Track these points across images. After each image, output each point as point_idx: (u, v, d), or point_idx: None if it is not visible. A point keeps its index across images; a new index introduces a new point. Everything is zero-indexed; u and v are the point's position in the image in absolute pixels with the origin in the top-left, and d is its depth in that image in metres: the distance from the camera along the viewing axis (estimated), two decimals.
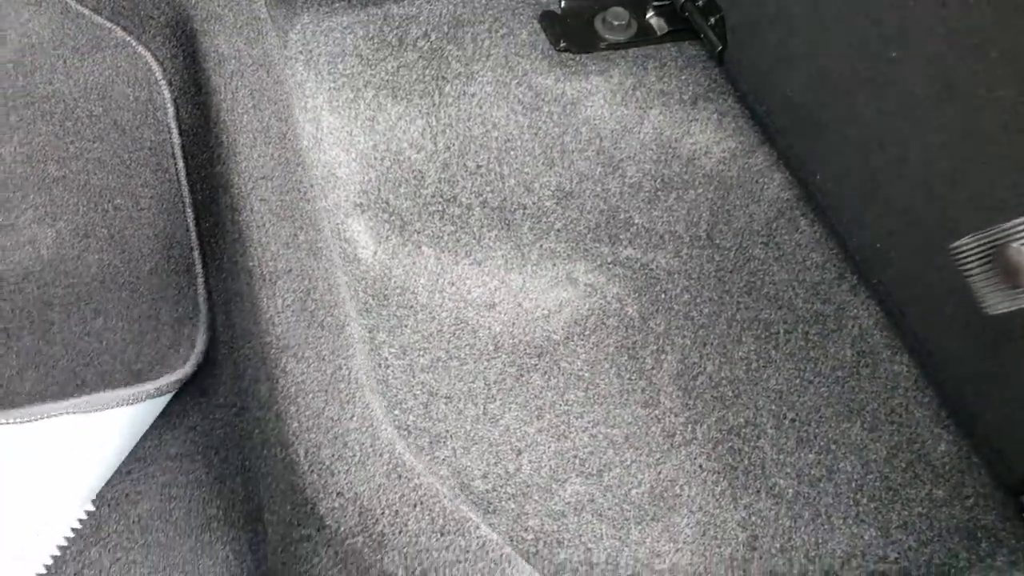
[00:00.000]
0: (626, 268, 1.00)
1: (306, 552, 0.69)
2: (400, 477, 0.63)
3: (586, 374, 0.97)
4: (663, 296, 0.99)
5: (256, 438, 0.79)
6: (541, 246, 1.01)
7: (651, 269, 0.99)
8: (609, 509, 0.89)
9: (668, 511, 0.89)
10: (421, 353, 0.98)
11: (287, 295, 0.72)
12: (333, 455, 0.64)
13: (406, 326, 1.00)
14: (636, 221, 1.00)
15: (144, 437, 0.83)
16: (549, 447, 0.92)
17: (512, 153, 0.99)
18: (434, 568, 0.59)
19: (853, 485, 0.83)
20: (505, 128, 0.98)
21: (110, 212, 0.93)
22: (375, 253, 1.03)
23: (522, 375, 0.97)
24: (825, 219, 0.93)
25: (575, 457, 0.92)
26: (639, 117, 0.98)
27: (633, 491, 0.90)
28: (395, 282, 1.03)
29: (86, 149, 0.93)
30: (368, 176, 1.02)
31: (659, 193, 0.99)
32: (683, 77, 1.01)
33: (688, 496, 0.89)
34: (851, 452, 0.84)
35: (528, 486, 0.90)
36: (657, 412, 0.94)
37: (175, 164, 0.92)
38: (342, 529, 0.63)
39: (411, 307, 1.01)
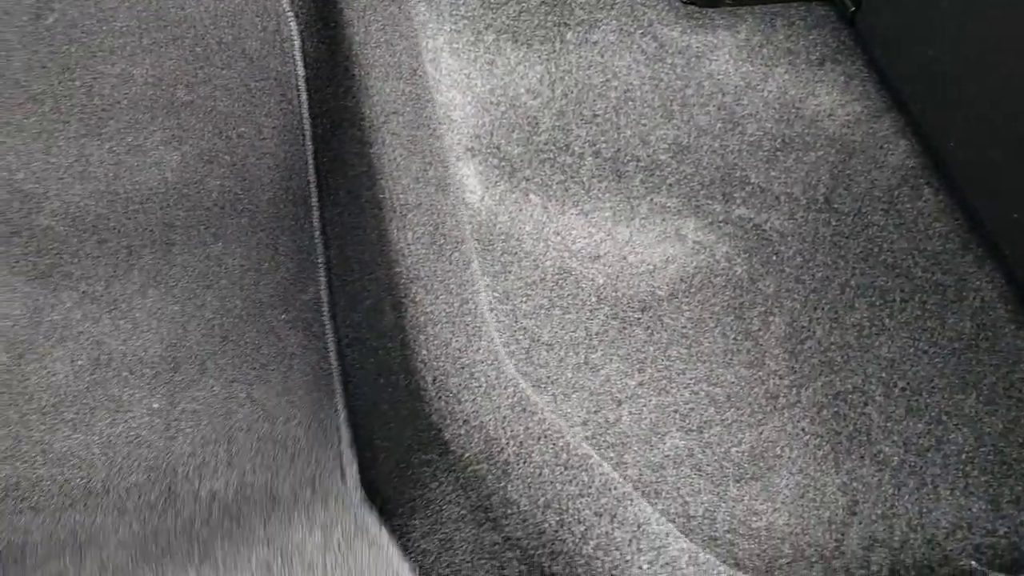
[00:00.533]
0: (737, 227, 0.99)
1: (424, 477, 0.71)
2: (525, 410, 0.64)
3: (690, 332, 0.97)
4: (774, 258, 0.98)
5: (370, 367, 0.80)
6: (651, 200, 1.01)
7: (764, 230, 0.98)
8: (708, 465, 0.89)
9: (767, 471, 0.88)
10: (524, 300, 0.99)
11: (417, 228, 0.73)
12: (460, 384, 0.65)
13: (510, 272, 1.01)
14: (752, 180, 0.98)
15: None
16: (650, 400, 0.92)
17: (630, 104, 0.98)
18: (557, 499, 0.60)
19: (963, 457, 0.82)
20: (625, 78, 0.97)
21: (233, 139, 0.95)
22: (482, 198, 1.03)
23: (625, 328, 0.97)
24: (951, 189, 0.91)
25: (676, 412, 0.92)
26: (764, 75, 0.96)
27: (733, 449, 0.90)
28: (500, 228, 1.03)
29: (214, 75, 0.95)
30: (482, 120, 1.02)
31: (778, 153, 0.98)
32: (811, 37, 0.99)
33: (788, 458, 0.89)
34: (964, 424, 0.83)
35: (627, 436, 0.90)
36: (761, 373, 0.93)
37: (299, 96, 0.94)
38: (466, 455, 0.64)
39: (515, 254, 1.02)
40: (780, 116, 0.97)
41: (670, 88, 0.97)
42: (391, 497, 0.78)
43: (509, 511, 0.62)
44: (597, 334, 0.96)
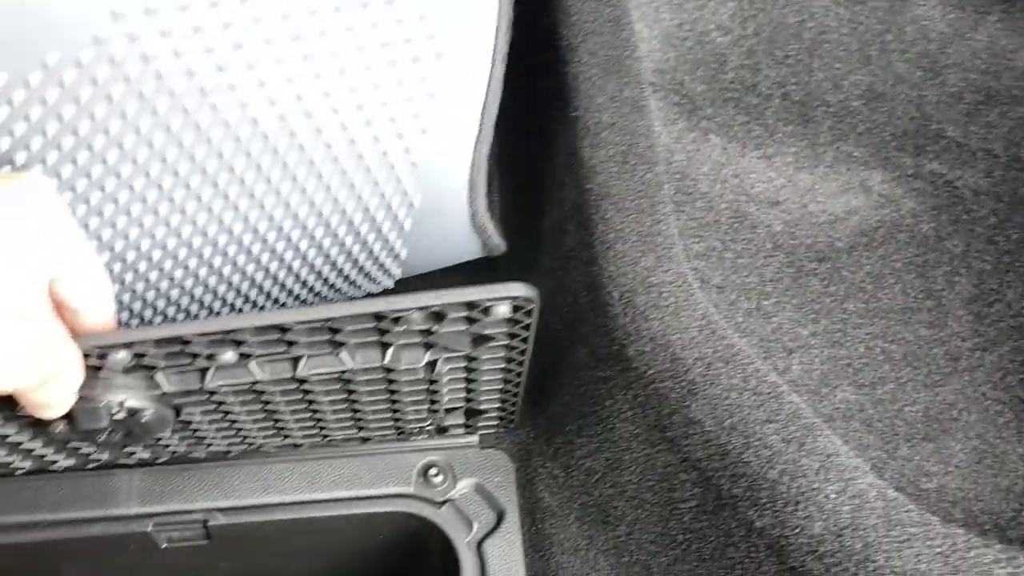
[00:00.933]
0: (927, 183, 0.95)
1: (599, 394, 0.71)
2: (713, 333, 0.63)
3: (869, 286, 0.93)
4: (965, 217, 0.93)
5: (544, 284, 0.81)
6: (838, 148, 0.97)
7: (956, 187, 0.94)
8: (879, 422, 0.86)
9: (942, 433, 0.85)
10: (696, 240, 0.98)
11: (610, 147, 0.72)
12: (648, 303, 0.65)
13: (683, 212, 0.99)
14: (948, 134, 0.94)
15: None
16: (822, 352, 0.90)
17: (825, 46, 0.94)
18: (744, 423, 0.59)
19: None
20: (822, 19, 0.94)
21: None
22: (659, 136, 1.02)
23: (800, 277, 0.95)
24: None
25: (848, 366, 0.89)
26: (974, 22, 0.91)
27: (906, 408, 0.87)
28: (675, 167, 1.02)
29: None
30: (667, 55, 1.01)
31: (981, 107, 0.93)
32: None
33: (966, 421, 0.85)
34: None
35: (797, 386, 0.88)
36: (943, 334, 0.90)
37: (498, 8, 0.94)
38: (650, 372, 0.64)
39: (689, 194, 1.00)
40: (987, 67, 0.91)
41: (869, 32, 0.93)
42: (558, 414, 0.79)
43: (691, 431, 0.62)
44: (771, 280, 0.94)
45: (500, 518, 0.77)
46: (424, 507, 0.77)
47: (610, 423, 0.70)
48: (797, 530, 0.57)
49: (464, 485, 0.78)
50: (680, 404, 0.62)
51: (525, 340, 0.63)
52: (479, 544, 0.76)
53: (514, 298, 0.57)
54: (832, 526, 0.56)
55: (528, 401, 0.75)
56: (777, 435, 0.58)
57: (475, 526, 0.77)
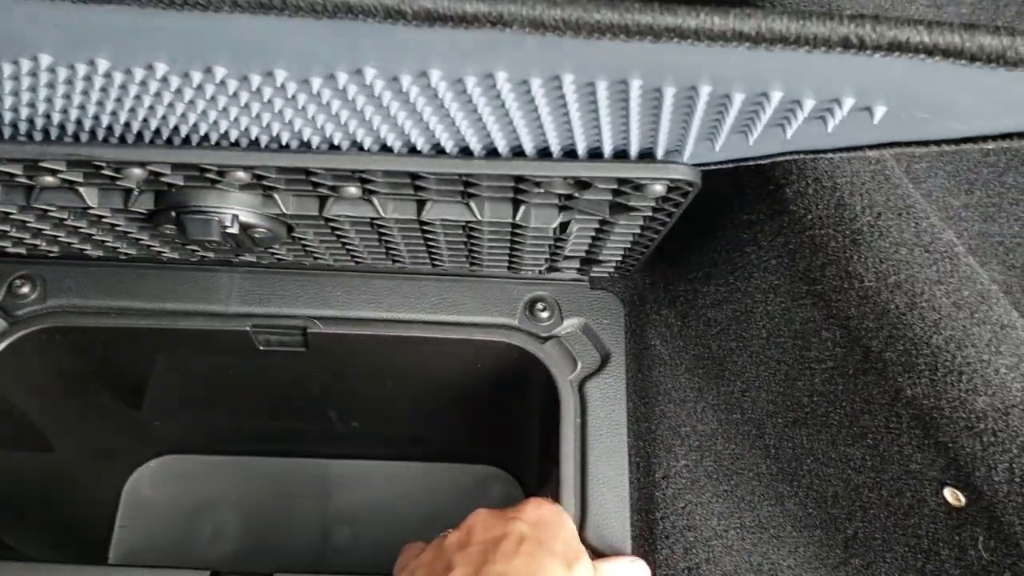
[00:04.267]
0: None
1: (741, 239, 0.66)
2: (887, 180, 0.56)
3: None
4: None
5: None
6: None
7: None
8: None
9: None
10: None
11: None
12: None
13: None
14: None
15: None
16: (972, 226, 0.82)
17: None
18: (910, 281, 0.53)
19: None
20: None
21: None
22: None
23: None
24: None
25: (1000, 244, 0.82)
26: None
27: None
28: None
29: None
30: None
31: None
32: None
33: None
34: None
35: None
36: None
37: None
38: (808, 217, 0.58)
39: None
40: None
41: None
42: (683, 259, 0.73)
43: (847, 286, 0.56)
44: None
45: (605, 360, 0.74)
46: (528, 341, 0.73)
47: (747, 271, 0.65)
48: (956, 403, 0.52)
49: (570, 323, 0.75)
50: (839, 255, 0.56)
51: (671, 215, 0.57)
52: (581, 383, 0.72)
53: (673, 180, 0.51)
54: (999, 403, 0.50)
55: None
56: (948, 298, 0.52)
57: (579, 365, 0.73)
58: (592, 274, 0.76)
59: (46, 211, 0.59)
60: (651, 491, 0.69)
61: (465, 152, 0.51)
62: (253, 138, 0.50)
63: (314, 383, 0.82)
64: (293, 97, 0.44)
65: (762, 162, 0.48)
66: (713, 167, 0.53)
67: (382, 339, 0.74)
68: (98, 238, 0.66)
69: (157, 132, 0.50)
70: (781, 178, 0.59)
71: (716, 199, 0.68)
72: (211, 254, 0.72)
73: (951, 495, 0.53)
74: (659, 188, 0.52)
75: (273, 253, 0.70)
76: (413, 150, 0.51)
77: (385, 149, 0.51)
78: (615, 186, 0.53)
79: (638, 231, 0.62)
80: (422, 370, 0.79)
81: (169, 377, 0.84)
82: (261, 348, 0.75)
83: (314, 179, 0.53)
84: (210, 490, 0.96)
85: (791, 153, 0.46)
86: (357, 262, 0.73)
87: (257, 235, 0.60)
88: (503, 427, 0.90)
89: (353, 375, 0.80)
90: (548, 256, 0.69)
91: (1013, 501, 0.49)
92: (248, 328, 0.72)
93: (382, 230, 0.62)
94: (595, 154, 0.51)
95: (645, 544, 0.66)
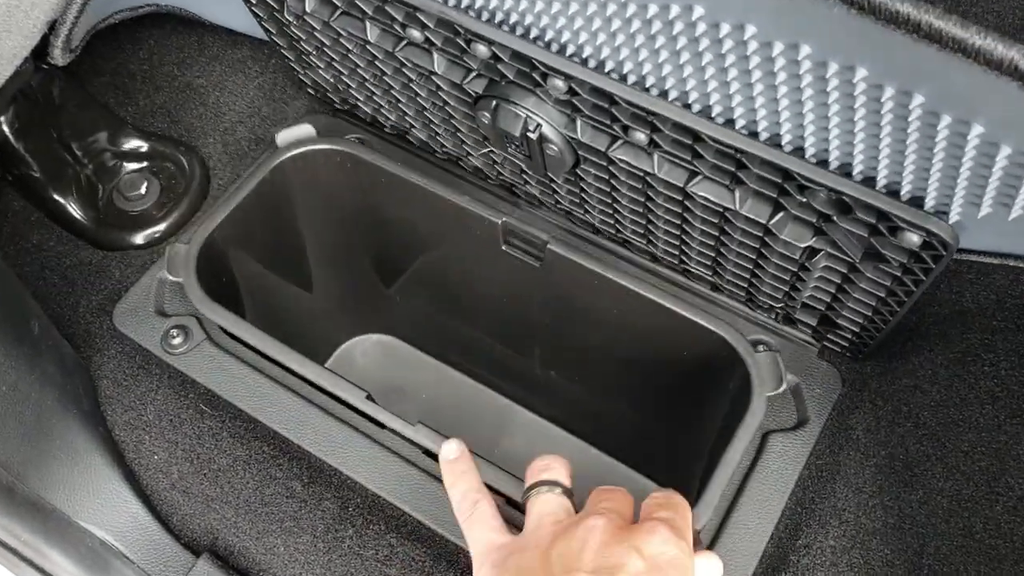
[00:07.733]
0: None
1: (979, 345, 0.64)
2: None
3: None
4: None
5: None
6: None
7: None
8: None
9: None
10: None
11: None
12: None
13: None
14: None
15: None
16: None
17: None
18: None
19: None
20: None
21: None
22: None
23: None
24: None
25: None
26: None
27: None
28: None
29: None
30: None
31: None
32: None
33: None
34: None
35: None
36: None
37: None
38: None
39: None
40: None
41: None
42: (918, 359, 0.72)
43: None
44: None
45: (800, 424, 0.73)
46: (744, 345, 0.74)
47: (975, 379, 0.63)
48: None
49: (785, 379, 0.75)
50: None
51: (918, 283, 0.57)
52: (767, 433, 0.73)
53: (928, 232, 0.52)
54: None
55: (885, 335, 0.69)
56: None
57: (773, 422, 0.74)
58: (824, 344, 0.76)
59: (402, 65, 0.70)
60: (786, 553, 0.68)
61: (750, 133, 0.55)
62: (583, 57, 0.58)
63: (533, 309, 0.89)
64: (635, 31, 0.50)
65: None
66: (975, 257, 0.53)
67: (609, 283, 0.78)
68: (428, 114, 0.77)
69: (513, 28, 0.59)
70: None
71: (967, 300, 0.66)
72: (505, 172, 0.80)
73: None
74: (915, 239, 0.53)
75: (534, 192, 0.78)
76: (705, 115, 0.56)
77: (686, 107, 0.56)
78: (874, 221, 0.54)
79: (882, 294, 0.62)
80: (630, 332, 0.82)
81: (423, 263, 0.95)
82: (503, 248, 0.82)
83: (614, 111, 0.59)
84: (406, 380, 1.06)
85: None
86: (612, 234, 0.78)
87: (549, 152, 0.67)
88: (673, 432, 0.92)
89: (570, 315, 0.86)
90: (787, 292, 0.70)
91: None
92: (500, 221, 0.80)
93: (648, 193, 0.67)
94: (868, 181, 0.53)
95: None
